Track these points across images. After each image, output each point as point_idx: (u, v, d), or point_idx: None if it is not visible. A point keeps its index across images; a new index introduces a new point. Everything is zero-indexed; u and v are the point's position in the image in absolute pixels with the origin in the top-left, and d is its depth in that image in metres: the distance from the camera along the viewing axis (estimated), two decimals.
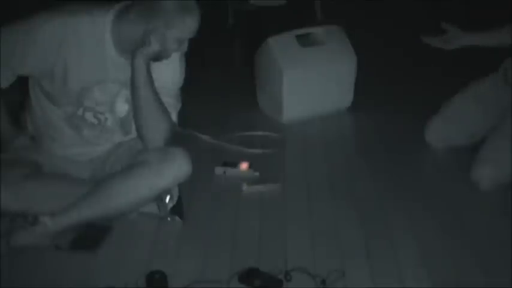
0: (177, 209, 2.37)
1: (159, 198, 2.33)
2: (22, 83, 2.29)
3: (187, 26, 2.13)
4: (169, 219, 2.37)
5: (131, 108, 2.29)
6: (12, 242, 2.15)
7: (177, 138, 2.36)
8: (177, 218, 2.38)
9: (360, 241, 2.31)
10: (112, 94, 2.29)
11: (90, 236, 2.26)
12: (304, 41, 3.32)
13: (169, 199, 2.34)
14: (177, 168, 2.25)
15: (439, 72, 3.84)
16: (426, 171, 2.90)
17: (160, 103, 2.25)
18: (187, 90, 2.44)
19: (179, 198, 2.38)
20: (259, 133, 3.15)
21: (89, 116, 2.30)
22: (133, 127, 2.33)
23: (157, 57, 2.19)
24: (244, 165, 2.76)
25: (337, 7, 4.92)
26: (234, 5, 4.81)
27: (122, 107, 2.33)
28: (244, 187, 2.65)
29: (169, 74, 2.31)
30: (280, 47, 3.25)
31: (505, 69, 2.80)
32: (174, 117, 2.34)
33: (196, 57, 2.49)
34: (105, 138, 2.38)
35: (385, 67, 3.96)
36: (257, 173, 2.75)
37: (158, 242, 2.29)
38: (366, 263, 2.18)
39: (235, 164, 2.78)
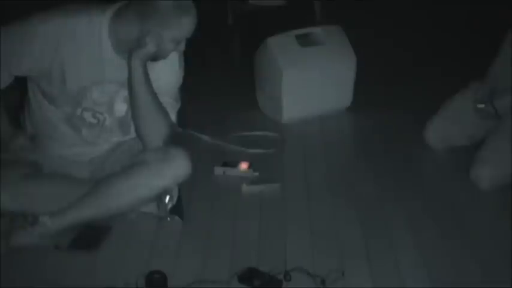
0: (177, 209, 2.37)
1: (159, 198, 2.33)
2: (21, 84, 2.29)
3: (183, 26, 2.13)
4: (169, 219, 2.37)
5: (130, 108, 2.29)
6: (12, 242, 2.15)
7: (176, 138, 2.36)
8: (176, 218, 2.38)
9: (359, 241, 2.31)
10: (110, 94, 2.29)
11: (90, 236, 2.26)
12: (304, 41, 3.32)
13: (169, 199, 2.34)
14: (176, 168, 2.25)
15: (439, 72, 3.84)
16: (426, 171, 2.90)
17: (159, 103, 2.25)
18: (187, 90, 2.44)
19: (179, 198, 2.38)
20: (259, 133, 3.14)
21: (87, 116, 2.30)
22: (133, 127, 2.33)
23: (155, 58, 2.19)
24: (243, 165, 2.76)
25: (337, 7, 4.91)
26: (234, 5, 4.81)
27: (121, 107, 2.33)
28: (244, 187, 2.65)
29: (168, 73, 2.31)
30: (280, 47, 3.25)
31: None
32: (173, 117, 2.34)
33: (196, 57, 2.49)
34: (104, 138, 2.38)
35: (385, 67, 3.95)
36: (257, 173, 2.74)
37: (158, 242, 2.29)
38: (366, 263, 2.18)
39: (234, 164, 2.77)
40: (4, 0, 3.71)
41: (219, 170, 2.77)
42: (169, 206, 2.35)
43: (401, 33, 4.61)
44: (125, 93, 2.27)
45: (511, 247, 2.23)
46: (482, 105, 2.80)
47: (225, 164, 2.79)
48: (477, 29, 4.55)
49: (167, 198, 2.34)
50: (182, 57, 2.35)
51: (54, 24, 2.14)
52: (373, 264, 2.17)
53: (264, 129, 3.17)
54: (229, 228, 2.38)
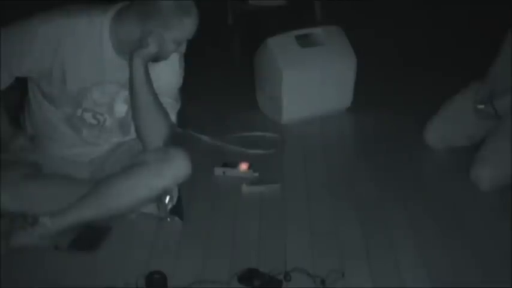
0: (177, 210, 2.37)
1: (159, 199, 2.33)
2: (21, 84, 2.29)
3: (185, 27, 2.13)
4: (169, 219, 2.37)
5: (130, 108, 2.29)
6: (12, 242, 2.15)
7: (176, 139, 2.36)
8: (176, 218, 2.38)
9: (359, 241, 2.31)
10: (111, 95, 2.29)
11: (90, 236, 2.26)
12: (304, 41, 3.31)
13: (169, 200, 2.34)
14: (176, 168, 2.25)
15: (439, 72, 3.84)
16: (426, 172, 2.90)
17: (159, 104, 2.25)
18: (187, 90, 2.44)
19: (179, 198, 2.38)
20: (259, 133, 3.14)
21: (88, 116, 2.30)
22: (133, 128, 2.33)
23: (156, 58, 2.19)
24: (243, 166, 2.76)
25: (337, 7, 4.91)
26: (234, 5, 4.81)
27: (121, 108, 2.33)
28: (244, 187, 2.65)
29: (168, 74, 2.31)
30: (280, 48, 3.25)
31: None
32: (173, 117, 2.34)
33: (196, 57, 2.49)
34: (104, 139, 2.38)
35: (385, 67, 3.95)
36: (256, 174, 2.74)
37: (158, 242, 2.30)
38: (366, 263, 2.18)
39: (234, 165, 2.77)
40: (4, 0, 3.71)
41: (219, 171, 2.77)
42: (169, 206, 2.35)
43: (401, 33, 4.61)
44: (125, 93, 2.28)
45: (511, 247, 2.23)
46: (482, 106, 2.80)
47: (225, 165, 2.79)
48: (477, 29, 4.55)
49: (167, 198, 2.34)
50: (182, 58, 2.35)
51: (55, 25, 2.14)
52: (373, 264, 2.17)
53: (264, 130, 3.17)
54: (229, 228, 2.38)
